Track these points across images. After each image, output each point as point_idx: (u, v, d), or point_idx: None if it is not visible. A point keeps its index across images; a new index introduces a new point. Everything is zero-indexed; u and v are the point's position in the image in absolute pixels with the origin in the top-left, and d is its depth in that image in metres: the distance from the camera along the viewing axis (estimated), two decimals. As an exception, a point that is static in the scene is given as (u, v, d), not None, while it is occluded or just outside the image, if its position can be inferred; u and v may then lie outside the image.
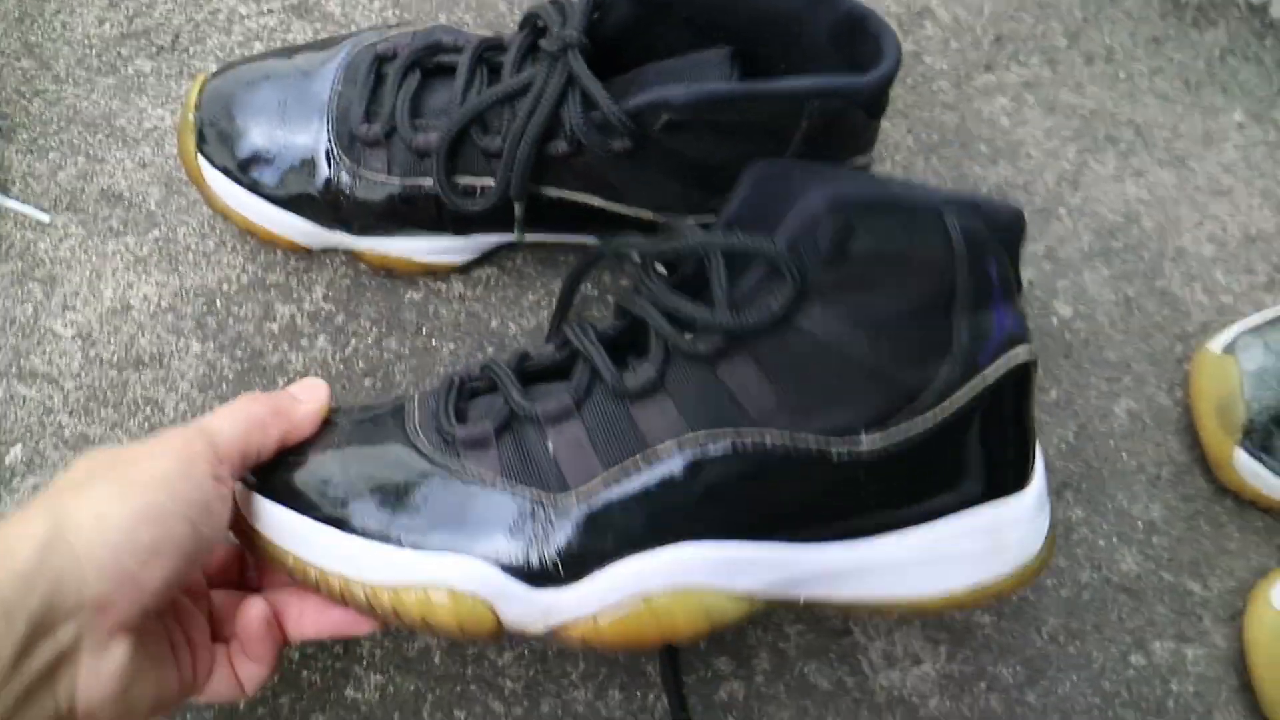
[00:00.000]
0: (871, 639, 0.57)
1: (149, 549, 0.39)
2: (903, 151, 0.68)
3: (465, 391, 0.49)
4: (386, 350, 0.61)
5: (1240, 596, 0.60)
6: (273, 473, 0.47)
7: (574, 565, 0.45)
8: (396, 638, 0.55)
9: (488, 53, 0.56)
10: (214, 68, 0.66)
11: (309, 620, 0.48)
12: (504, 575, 0.44)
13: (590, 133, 0.52)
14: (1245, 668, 0.57)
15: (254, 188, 0.58)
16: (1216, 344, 0.62)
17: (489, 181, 0.55)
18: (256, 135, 0.57)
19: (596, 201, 0.56)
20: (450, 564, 0.44)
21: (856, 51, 0.52)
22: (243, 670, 0.47)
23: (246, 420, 0.45)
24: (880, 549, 0.46)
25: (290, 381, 0.60)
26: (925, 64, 0.71)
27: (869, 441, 0.44)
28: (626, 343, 0.48)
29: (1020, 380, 0.46)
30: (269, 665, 0.47)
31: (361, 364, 0.61)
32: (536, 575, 0.44)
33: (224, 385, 0.60)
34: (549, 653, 0.55)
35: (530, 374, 0.49)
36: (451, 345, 0.62)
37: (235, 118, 0.57)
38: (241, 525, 0.47)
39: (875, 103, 0.51)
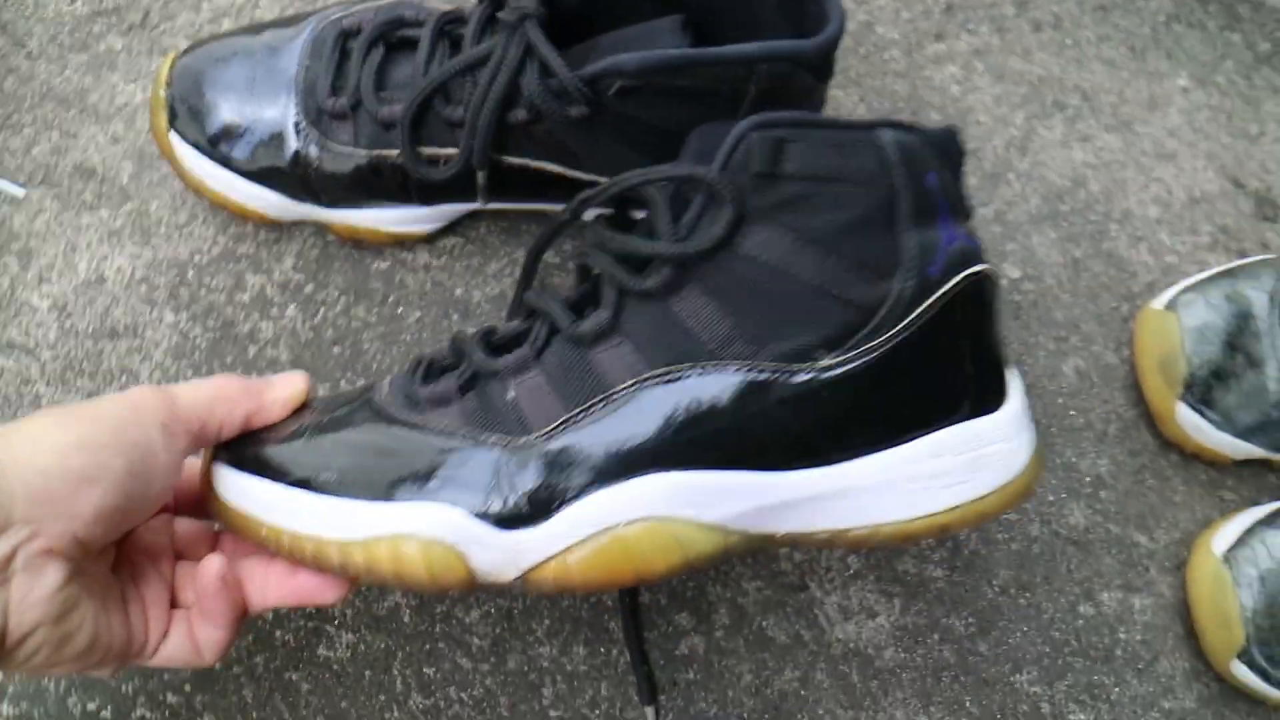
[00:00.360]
0: (827, 593, 0.59)
1: (79, 474, 0.40)
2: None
3: (434, 369, 0.50)
4: (354, 319, 0.63)
5: (1185, 547, 0.62)
6: (243, 448, 0.48)
7: (540, 503, 0.45)
8: (367, 597, 0.57)
9: (449, 25, 0.57)
10: (184, 45, 0.67)
11: (273, 587, 0.48)
12: (472, 519, 0.45)
13: (548, 100, 0.53)
14: (1189, 616, 0.59)
15: (225, 162, 0.59)
16: (1159, 301, 0.63)
17: (453, 151, 0.57)
18: (226, 110, 0.58)
19: (556, 168, 0.58)
20: (418, 511, 0.45)
21: (804, 18, 0.54)
22: (201, 634, 0.47)
23: (213, 390, 0.46)
24: (854, 472, 0.47)
25: (261, 351, 0.61)
26: (877, 34, 0.73)
27: (829, 362, 0.45)
28: (585, 302, 0.49)
29: (980, 295, 0.47)
30: (228, 629, 0.47)
31: (330, 332, 0.62)
32: (505, 518, 0.45)
33: (197, 354, 0.62)
34: (514, 610, 0.57)
35: (496, 345, 0.50)
36: (418, 313, 0.63)
37: (205, 94, 0.59)
38: (212, 500, 0.48)
39: (822, 66, 0.53)
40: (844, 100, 0.70)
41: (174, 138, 0.59)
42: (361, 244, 0.64)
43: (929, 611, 0.59)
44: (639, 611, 0.56)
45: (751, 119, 0.43)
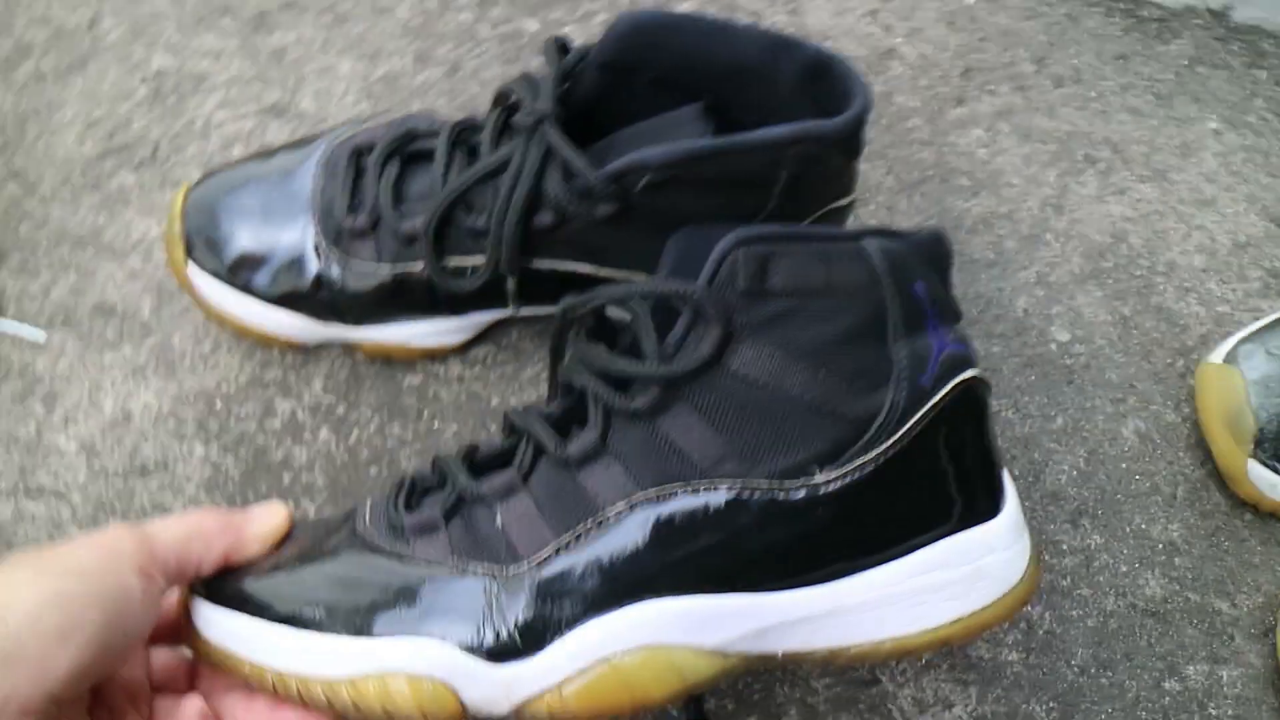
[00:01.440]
0: (900, 686, 0.56)
1: (54, 634, 0.38)
2: (884, 192, 0.68)
3: (417, 490, 0.49)
4: (390, 437, 0.61)
5: (1270, 612, 0.59)
6: (223, 583, 0.46)
7: (532, 635, 0.44)
8: None
9: (463, 133, 0.56)
10: (195, 175, 0.67)
11: None
12: (462, 654, 0.43)
13: (573, 201, 0.52)
14: (1282, 683, 0.57)
15: (245, 289, 0.58)
16: (1217, 355, 0.61)
17: (479, 260, 0.55)
18: (243, 238, 0.57)
19: (586, 268, 0.56)
20: (405, 648, 0.43)
21: (825, 96, 0.53)
22: None
23: (190, 528, 0.45)
24: (852, 589, 0.45)
25: (297, 477, 0.60)
26: (897, 104, 0.72)
27: (824, 478, 0.43)
28: (570, 419, 0.47)
29: (973, 403, 0.46)
30: None
31: (366, 452, 0.61)
32: (495, 651, 0.44)
33: (230, 485, 0.60)
34: None
35: (480, 464, 0.48)
36: (455, 426, 0.62)
37: (220, 223, 0.58)
38: (192, 637, 0.46)
39: (851, 144, 0.52)
40: (870, 173, 0.69)
41: (192, 270, 0.58)
42: (392, 360, 0.62)
43: (1007, 698, 0.56)
44: (706, 719, 0.54)
45: (734, 235, 0.42)
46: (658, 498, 0.44)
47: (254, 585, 0.45)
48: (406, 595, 0.44)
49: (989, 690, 0.57)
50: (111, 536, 0.42)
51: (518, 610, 0.44)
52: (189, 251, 0.58)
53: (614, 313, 0.48)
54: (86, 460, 0.60)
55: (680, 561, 0.44)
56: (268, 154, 0.60)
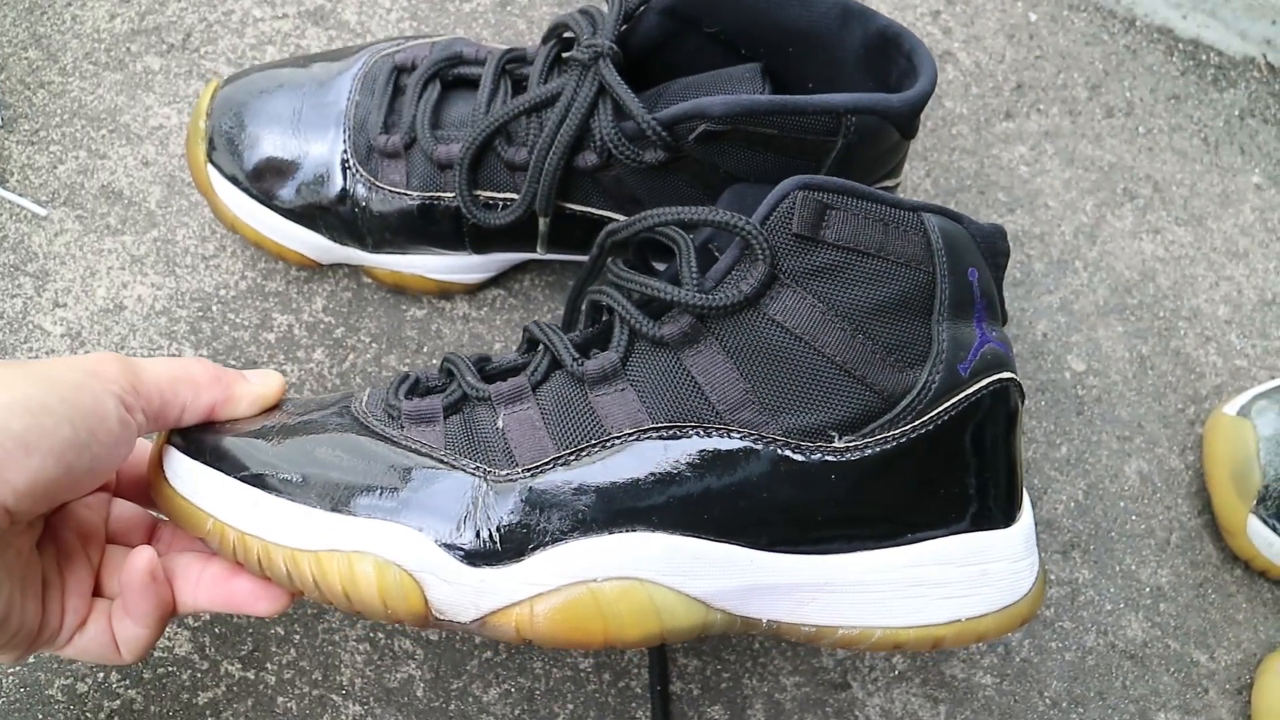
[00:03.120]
0: (870, 694, 0.55)
1: (17, 439, 0.36)
2: (920, 195, 0.67)
3: (420, 386, 0.47)
4: (385, 367, 0.59)
5: (1247, 669, 0.58)
6: (201, 436, 0.44)
7: (514, 542, 0.42)
8: (379, 667, 0.53)
9: (510, 64, 0.54)
10: (224, 69, 0.64)
11: (206, 588, 0.44)
12: (437, 548, 0.41)
13: (622, 144, 0.50)
14: (1250, 743, 0.56)
15: (265, 199, 0.56)
16: (1232, 407, 0.61)
17: (512, 196, 0.53)
18: (269, 145, 0.55)
19: (620, 217, 0.55)
20: (379, 531, 0.42)
21: (888, 70, 0.52)
22: (121, 630, 0.43)
23: (180, 371, 0.43)
24: (853, 565, 0.43)
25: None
26: (945, 108, 0.70)
27: (843, 446, 0.42)
28: (592, 344, 0.46)
29: (1006, 404, 0.45)
30: (151, 629, 0.43)
31: (358, 380, 0.59)
32: (472, 553, 0.42)
33: (215, 394, 0.58)
34: (536, 692, 0.54)
35: (490, 373, 0.47)
36: (452, 366, 0.60)
37: (247, 126, 0.55)
38: (158, 484, 0.44)
39: (910, 122, 0.50)
40: (909, 175, 0.67)
41: (212, 172, 0.56)
42: (404, 291, 0.60)
43: (974, 721, 0.56)
44: (669, 700, 0.53)
45: (798, 179, 0.41)
46: (669, 433, 0.42)
47: (233, 443, 0.44)
48: (389, 479, 0.42)
49: (958, 710, 0.56)
50: (97, 359, 0.40)
51: (503, 514, 0.42)
52: (211, 152, 0.56)
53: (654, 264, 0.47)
54: (70, 346, 0.58)
55: (680, 500, 0.42)
56: (304, 61, 0.58)
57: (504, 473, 0.42)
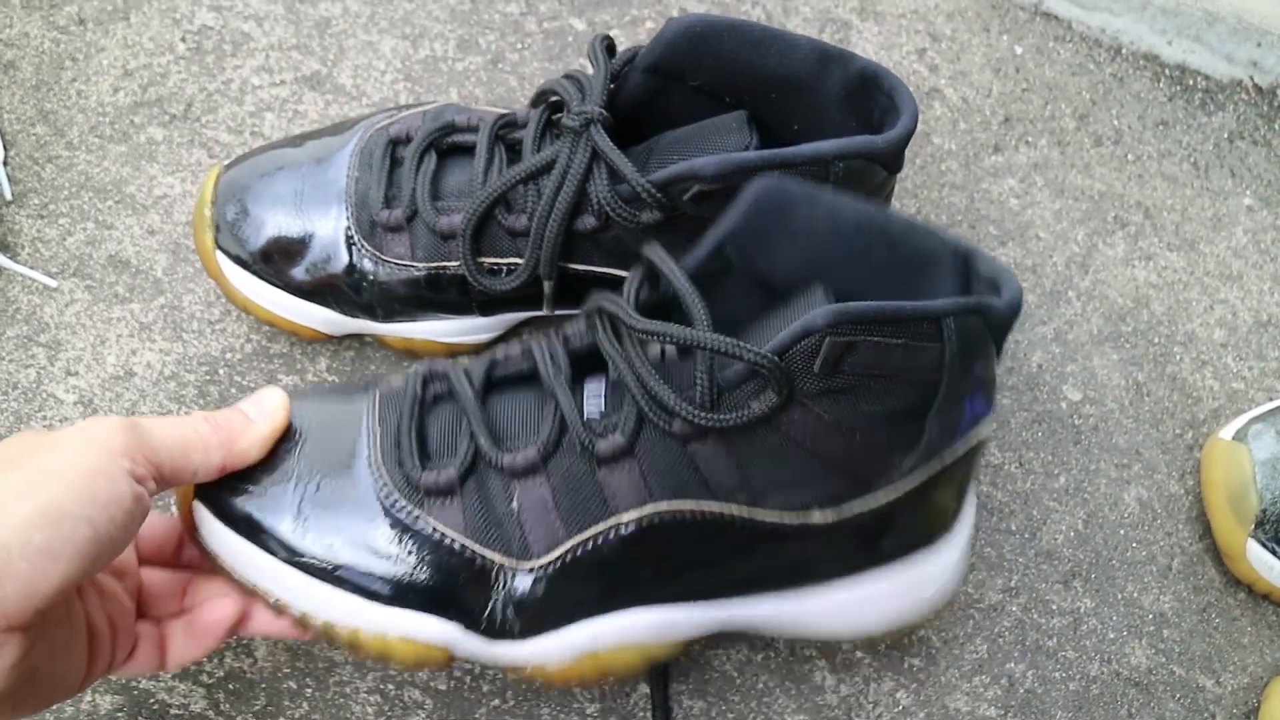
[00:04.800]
0: (875, 729, 0.56)
1: (43, 551, 0.37)
2: (912, 231, 0.68)
3: (427, 404, 0.49)
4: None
5: (1254, 693, 0.59)
6: (229, 500, 0.46)
7: (529, 626, 0.47)
8: (389, 718, 0.54)
9: (503, 130, 0.56)
10: (225, 137, 0.66)
11: (260, 624, 0.48)
12: (462, 631, 0.46)
13: (618, 207, 0.51)
14: (1258, 768, 0.56)
15: (275, 280, 0.57)
16: (1228, 431, 0.61)
17: (515, 260, 0.55)
18: (274, 226, 0.56)
19: (623, 274, 0.55)
20: (411, 620, 0.46)
21: (870, 109, 0.53)
22: (177, 651, 0.46)
23: (189, 434, 0.44)
24: (813, 599, 0.49)
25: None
26: (934, 144, 0.71)
27: (821, 516, 0.45)
28: (592, 359, 0.48)
29: (974, 455, 0.48)
30: (208, 651, 0.47)
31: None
32: (492, 631, 0.47)
33: (224, 455, 0.59)
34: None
35: (496, 381, 0.49)
36: (454, 419, 0.61)
37: (251, 210, 0.56)
38: (201, 547, 0.47)
39: (896, 159, 0.52)
40: (900, 211, 0.68)
41: (220, 257, 0.57)
42: (416, 355, 0.62)
43: (982, 754, 0.56)
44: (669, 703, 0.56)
45: (830, 312, 0.40)
46: (669, 515, 0.45)
47: (261, 516, 0.46)
48: (420, 574, 0.46)
49: (964, 744, 0.56)
50: (105, 430, 0.41)
51: (520, 601, 0.46)
52: (218, 238, 0.57)
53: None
54: (83, 413, 0.60)
55: (674, 574, 0.47)
56: (299, 140, 0.59)
57: (522, 564, 0.46)
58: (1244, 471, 0.58)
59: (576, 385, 0.48)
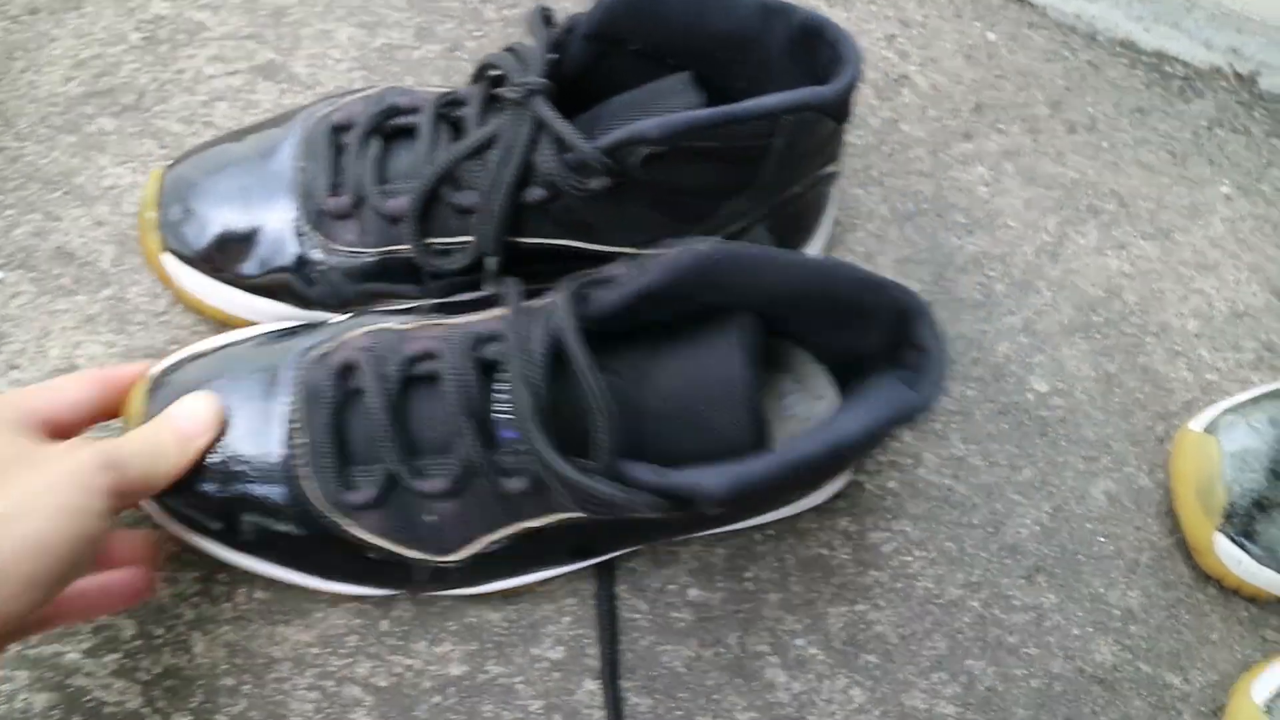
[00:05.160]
0: (829, 728, 0.54)
1: (25, 582, 0.39)
2: (876, 220, 0.66)
3: (347, 403, 0.49)
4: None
5: (1222, 691, 0.57)
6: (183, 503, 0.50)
7: (450, 587, 0.53)
8: (328, 715, 0.53)
9: (445, 108, 0.55)
10: (176, 127, 0.65)
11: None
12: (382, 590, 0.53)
13: (566, 176, 0.51)
14: (1227, 767, 0.55)
15: (225, 278, 0.56)
16: (1198, 423, 0.59)
17: (465, 239, 0.54)
18: (221, 224, 0.55)
19: (575, 244, 0.55)
20: (336, 589, 0.53)
21: (814, 60, 0.53)
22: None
23: (155, 454, 0.47)
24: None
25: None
26: (902, 131, 0.70)
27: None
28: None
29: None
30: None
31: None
32: (412, 591, 0.54)
33: (169, 448, 0.58)
34: None
35: (411, 379, 0.49)
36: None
37: (197, 209, 0.55)
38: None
39: (843, 109, 0.52)
40: (865, 199, 0.67)
41: (168, 259, 0.56)
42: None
43: (942, 754, 0.54)
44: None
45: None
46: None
47: (209, 518, 0.50)
48: (342, 561, 0.51)
49: (921, 743, 0.55)
50: (89, 474, 0.42)
51: (439, 576, 0.51)
52: (164, 240, 0.56)
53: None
54: (30, 405, 0.59)
55: (582, 549, 0.53)
56: (240, 135, 0.58)
57: (441, 558, 0.50)
58: (1212, 464, 0.57)
59: (485, 387, 0.47)
